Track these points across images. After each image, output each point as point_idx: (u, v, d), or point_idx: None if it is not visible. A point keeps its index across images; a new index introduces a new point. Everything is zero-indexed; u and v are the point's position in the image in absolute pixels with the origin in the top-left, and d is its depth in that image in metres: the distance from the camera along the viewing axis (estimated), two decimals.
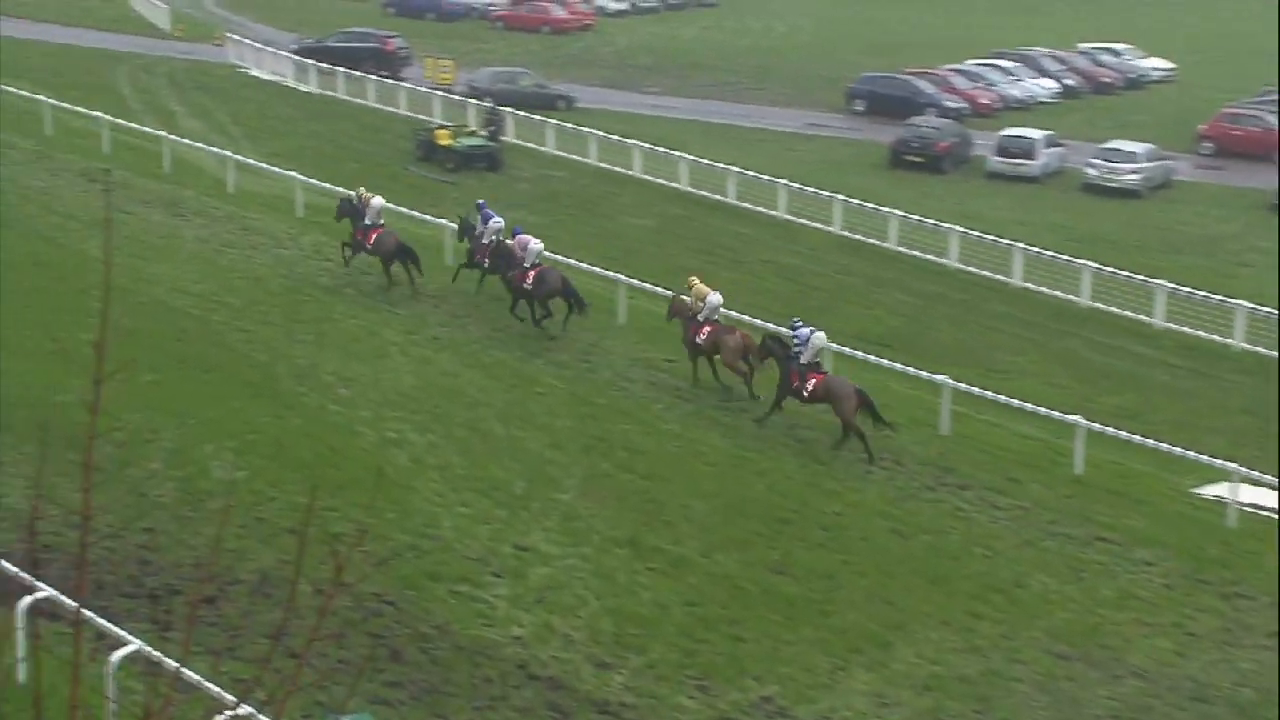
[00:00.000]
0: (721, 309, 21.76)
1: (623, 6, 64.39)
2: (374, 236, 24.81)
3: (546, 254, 24.23)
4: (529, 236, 23.80)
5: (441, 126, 36.95)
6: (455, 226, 25.48)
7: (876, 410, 19.58)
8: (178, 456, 17.20)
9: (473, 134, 36.78)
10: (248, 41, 46.97)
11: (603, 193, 34.62)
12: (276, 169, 30.97)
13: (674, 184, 35.03)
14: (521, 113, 39.15)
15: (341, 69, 42.88)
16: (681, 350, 21.79)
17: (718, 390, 21.61)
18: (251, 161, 31.61)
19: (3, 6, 51.63)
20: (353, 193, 25.76)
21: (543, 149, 37.68)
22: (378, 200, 25.13)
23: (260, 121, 38.44)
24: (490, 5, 59.50)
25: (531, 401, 20.50)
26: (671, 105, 45.85)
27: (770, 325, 22.62)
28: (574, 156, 36.91)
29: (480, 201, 25.82)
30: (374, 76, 42.68)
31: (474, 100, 40.54)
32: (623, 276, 24.78)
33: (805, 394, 20.02)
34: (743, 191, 34.03)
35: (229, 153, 31.21)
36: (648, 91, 48.06)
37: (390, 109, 40.96)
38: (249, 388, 19.79)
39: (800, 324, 20.78)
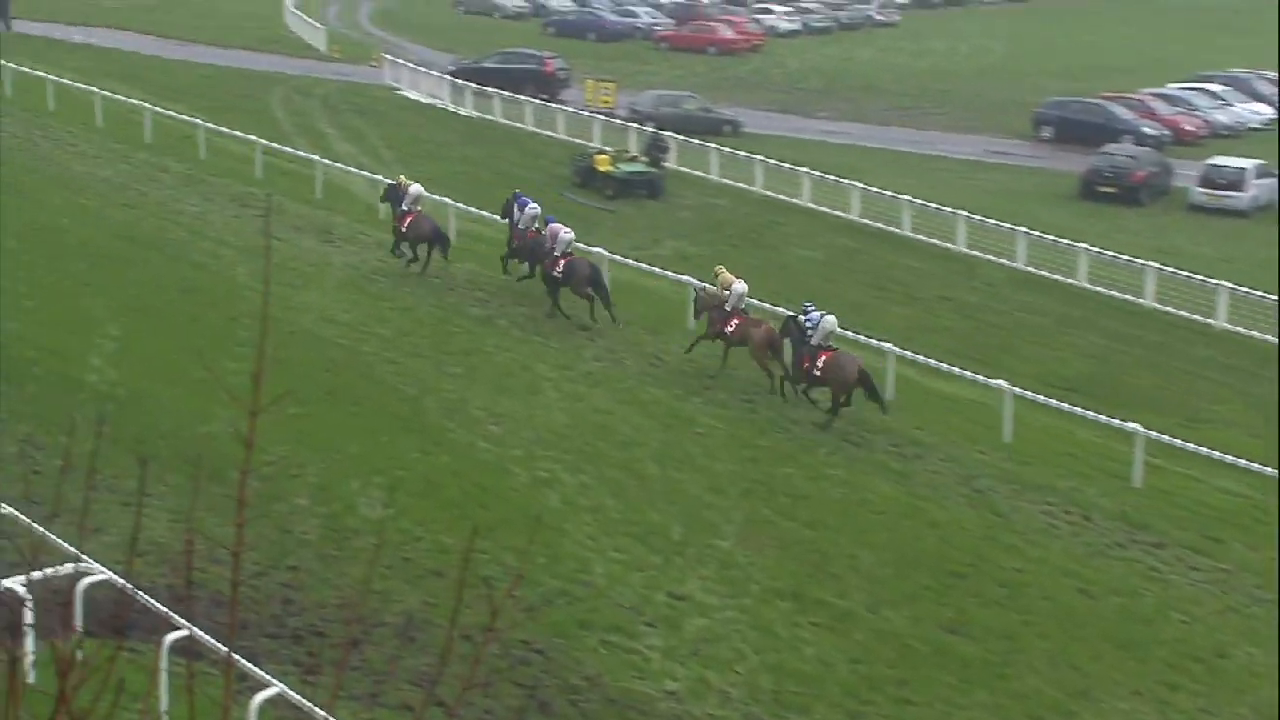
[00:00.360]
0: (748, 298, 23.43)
1: (794, 26, 64.57)
2: (409, 221, 27.25)
3: (641, 265, 24.37)
4: (560, 225, 25.71)
5: (601, 152, 37.43)
6: (603, 251, 26.76)
7: (875, 389, 21.57)
8: (324, 492, 17.63)
9: (633, 160, 37.17)
10: (404, 63, 48.41)
11: (768, 222, 34.63)
12: (432, 195, 31.74)
13: (844, 214, 34.86)
14: (685, 138, 39.46)
15: (499, 91, 43.84)
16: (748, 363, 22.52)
17: (887, 433, 21.38)
18: (380, 178, 32.47)
19: (161, 29, 54.32)
20: (395, 180, 28.54)
21: (707, 176, 37.88)
22: (416, 187, 27.84)
23: (414, 145, 39.50)
24: (655, 25, 60.26)
25: (689, 442, 20.54)
26: (844, 131, 45.72)
27: (934, 361, 22.33)
28: (739, 184, 37.03)
29: (517, 190, 28.38)
30: (532, 99, 43.55)
31: (635, 124, 41.03)
32: (788, 312, 24.70)
33: (816, 373, 21.98)
34: (918, 223, 33.69)
35: (381, 177, 32.08)
36: (819, 116, 48.02)
37: (548, 133, 41.71)
38: (397, 422, 20.24)
39: (812, 308, 22.68)
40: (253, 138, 34.05)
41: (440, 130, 41.75)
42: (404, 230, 27.24)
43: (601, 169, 36.12)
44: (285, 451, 18.04)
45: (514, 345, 24.04)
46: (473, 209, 30.63)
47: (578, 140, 40.51)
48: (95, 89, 37.07)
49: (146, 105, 36.21)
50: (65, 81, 37.24)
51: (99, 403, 19.10)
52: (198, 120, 35.46)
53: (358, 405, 20.68)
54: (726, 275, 23.81)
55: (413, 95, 46.10)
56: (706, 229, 33.67)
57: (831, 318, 22.38)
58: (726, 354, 23.23)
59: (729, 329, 23.27)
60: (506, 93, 43.79)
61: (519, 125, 42.48)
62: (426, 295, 26.16)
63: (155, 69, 45.95)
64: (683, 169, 38.30)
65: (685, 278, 26.59)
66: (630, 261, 28.06)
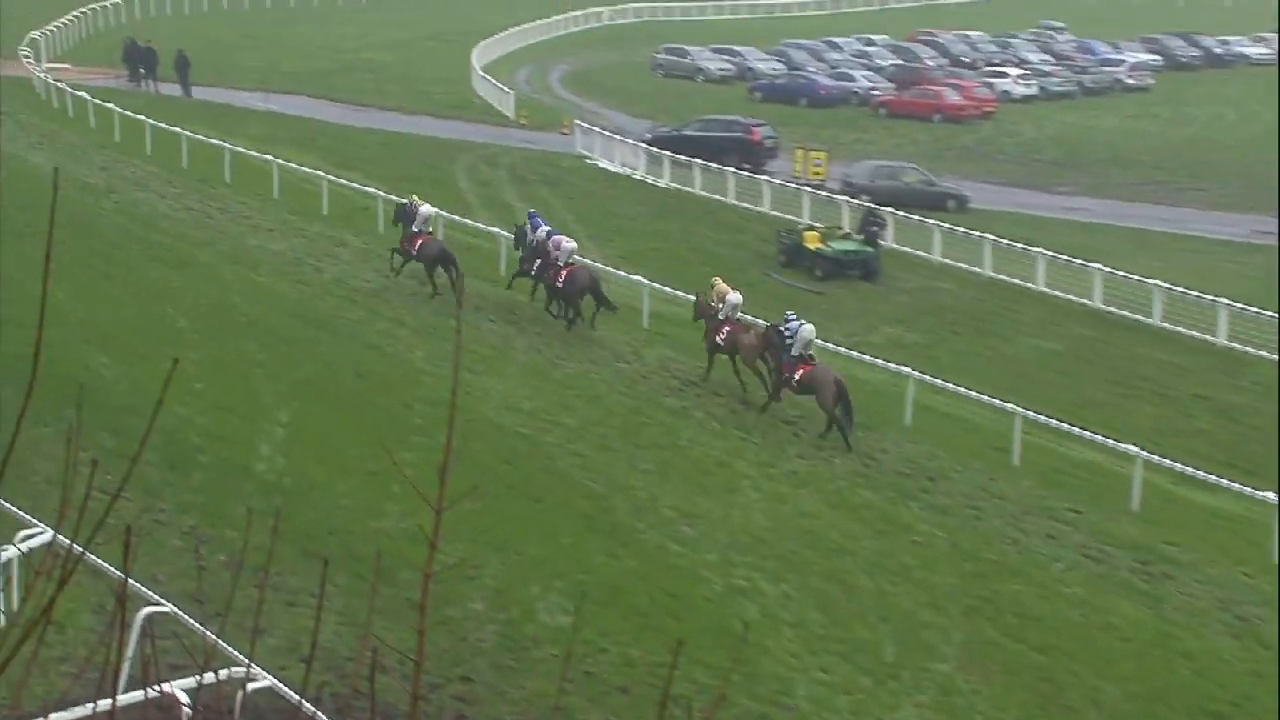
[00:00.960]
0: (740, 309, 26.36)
1: (1030, 91, 63.70)
2: (419, 243, 30.38)
3: (903, 370, 24.14)
4: (563, 236, 29.31)
5: (810, 228, 37.55)
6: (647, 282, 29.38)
7: (850, 404, 23.96)
8: (501, 596, 17.87)
9: (846, 237, 37.18)
10: (597, 130, 49.55)
11: (998, 309, 34.20)
12: (621, 272, 32.28)
13: (1085, 300, 34.24)
14: (904, 213, 39.35)
15: (699, 161, 44.45)
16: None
17: (1133, 548, 20.76)
18: (596, 264, 33.09)
19: (341, 93, 56.80)
20: (408, 200, 31.61)
21: (928, 256, 37.66)
22: (426, 208, 31.06)
23: (605, 219, 40.27)
24: (873, 90, 60.30)
25: (905, 552, 20.29)
26: (1085, 207, 44.98)
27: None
28: (965, 265, 36.70)
29: (531, 211, 31.73)
30: (735, 170, 44.06)
31: (849, 198, 41.09)
32: (1019, 409, 24.31)
33: (794, 384, 24.88)
34: (1171, 311, 32.87)
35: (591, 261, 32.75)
36: (1057, 191, 47.37)
37: (752, 206, 42.08)
38: (582, 521, 20.48)
39: (794, 317, 25.63)
40: (433, 209, 35.14)
41: (634, 203, 42.50)
42: (414, 252, 30.48)
43: (811, 247, 36.21)
44: (460, 551, 18.22)
45: (711, 439, 24.14)
46: (667, 288, 31.00)
47: (785, 215, 40.74)
48: (272, 157, 38.87)
49: (324, 175, 37.78)
50: (241, 150, 39.17)
51: (267, 494, 19.82)
52: (377, 191, 36.82)
53: (539, 501, 20.99)
54: (722, 286, 27.13)
55: (605, 165, 47.05)
56: (926, 314, 33.39)
57: (809, 326, 25.40)
58: (712, 363, 26.32)
59: (720, 338, 26.20)
60: (708, 163, 44.36)
61: (720, 198, 42.96)
62: (616, 383, 26.51)
63: (334, 136, 47.97)
64: (901, 248, 38.13)
65: (904, 369, 26.40)
66: (841, 349, 28.01)
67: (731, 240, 38.97)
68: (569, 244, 29.01)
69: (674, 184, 44.51)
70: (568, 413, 24.70)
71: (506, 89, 57.16)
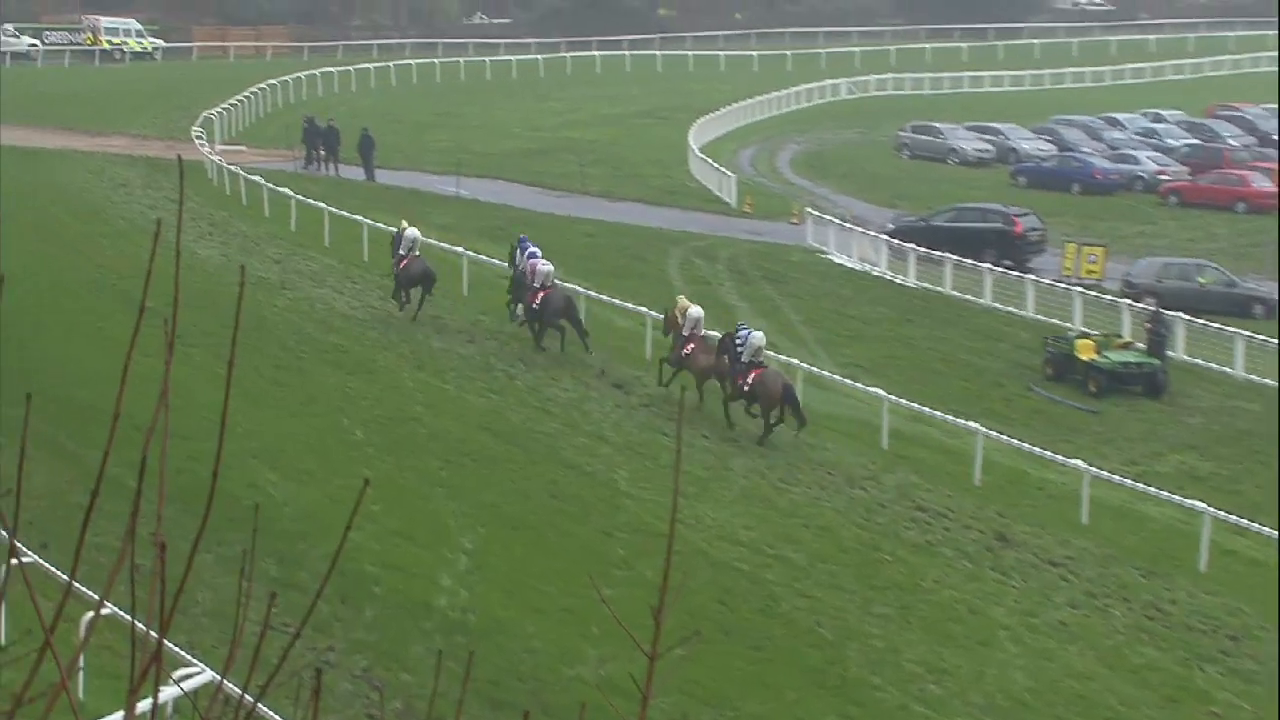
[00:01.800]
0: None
1: None
2: (403, 264, 35.82)
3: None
4: (539, 260, 34.12)
5: (1084, 335, 36.95)
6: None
7: (798, 406, 28.74)
8: None
9: (1127, 346, 36.46)
10: (831, 219, 49.71)
11: None
12: (858, 384, 32.18)
13: None
14: (1198, 319, 38.49)
15: (951, 256, 44.29)
16: None
17: None
18: (826, 374, 33.07)
19: (541, 177, 58.15)
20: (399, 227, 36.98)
21: (1228, 370, 36.74)
22: (412, 231, 36.57)
23: (840, 322, 40.23)
24: (1161, 174, 59.28)
25: None
26: None
27: None
28: (1272, 382, 35.64)
29: (522, 236, 36.59)
30: (994, 266, 43.75)
31: (1131, 301, 40.40)
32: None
33: (745, 389, 29.25)
34: None
35: (797, 361, 32.78)
36: None
37: (1013, 309, 41.64)
38: (808, 675, 20.30)
39: (745, 326, 30.86)
40: (643, 309, 35.59)
41: (874, 304, 42.38)
42: (397, 272, 35.96)
43: (1084, 357, 35.61)
44: (669, 704, 18.20)
45: (961, 581, 23.75)
46: (915, 404, 30.76)
47: (1053, 320, 40.17)
48: (462, 249, 39.90)
49: None
50: (430, 241, 40.29)
51: (449, 632, 20.09)
52: (579, 287, 37.44)
53: (759, 649, 20.89)
54: (684, 301, 32.14)
55: (841, 260, 47.09)
56: (1225, 440, 32.45)
57: (759, 334, 30.42)
58: (673, 376, 30.70)
59: (684, 352, 30.74)
60: (961, 258, 44.08)
61: (975, 299, 42.59)
62: (849, 512, 26.32)
63: (532, 225, 48.95)
64: (1193, 360, 37.25)
65: (1198, 504, 25.66)
66: (1118, 479, 27.37)
67: (988, 348, 38.54)
68: (545, 267, 34.11)
69: (921, 282, 44.29)
70: (793, 546, 24.56)
71: (728, 172, 57.81)
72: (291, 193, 46.00)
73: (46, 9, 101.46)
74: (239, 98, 66.94)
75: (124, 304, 34.74)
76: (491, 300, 37.71)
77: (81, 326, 33.14)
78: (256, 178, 48.71)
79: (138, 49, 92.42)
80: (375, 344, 34.34)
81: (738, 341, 29.99)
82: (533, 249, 34.92)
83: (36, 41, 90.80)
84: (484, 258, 40.05)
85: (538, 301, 33.64)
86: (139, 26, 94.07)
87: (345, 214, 43.71)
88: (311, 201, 45.09)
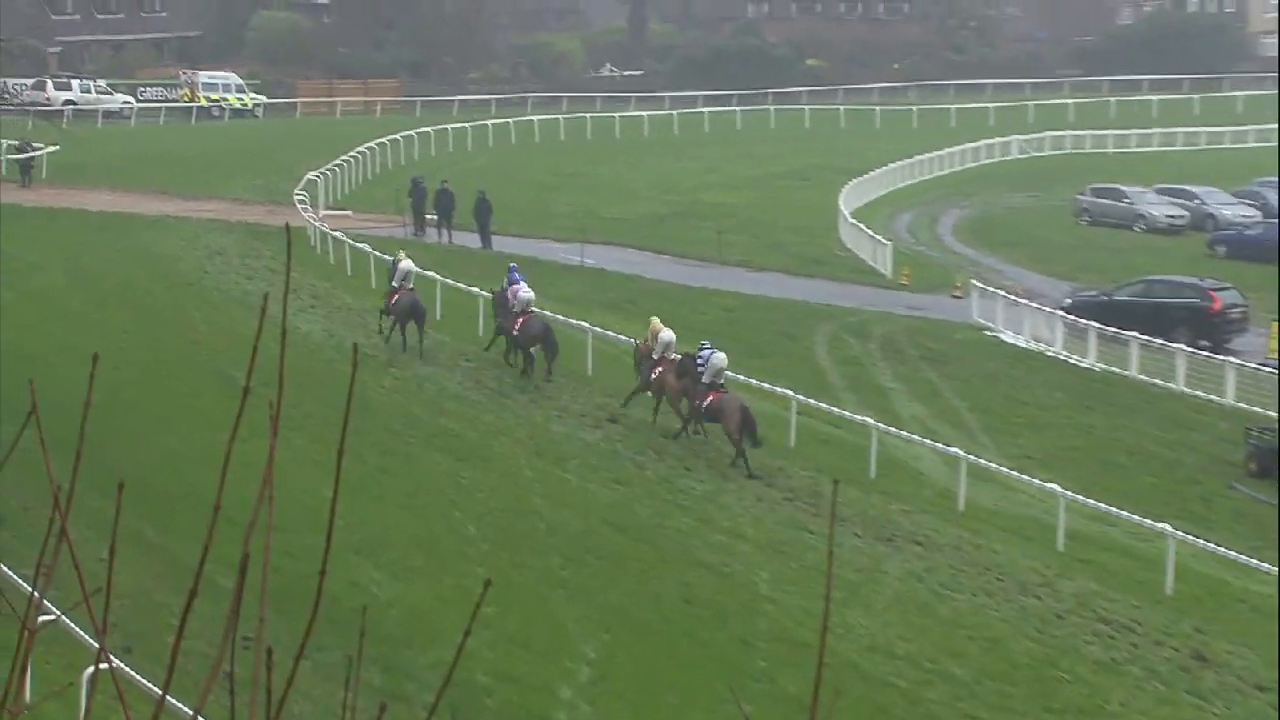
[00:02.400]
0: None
1: None
2: (395, 298, 39.56)
3: None
4: (520, 285, 38.04)
5: None
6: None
7: (755, 431, 31.96)
8: None
9: None
10: (999, 293, 49.40)
11: None
12: (1030, 479, 31.83)
13: None
14: None
15: (1139, 335, 43.86)
16: None
17: None
18: (993, 466, 32.76)
19: (673, 245, 58.41)
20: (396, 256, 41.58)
21: None
22: (406, 264, 40.66)
23: (1010, 408, 39.86)
24: None
25: None
26: None
27: None
28: None
29: (512, 265, 40.94)
30: (1188, 347, 43.27)
31: None
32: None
33: (703, 410, 32.84)
34: None
35: (960, 451, 32.51)
36: None
37: (1211, 396, 41.10)
38: None
39: (707, 346, 33.83)
40: (786, 392, 35.54)
41: (1048, 388, 41.96)
42: (389, 306, 39.85)
43: None
44: None
45: (1152, 705, 23.33)
46: (1096, 502, 30.34)
47: (1256, 408, 39.52)
48: (587, 325, 40.11)
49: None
50: (553, 314, 40.58)
51: None
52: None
53: None
54: (656, 324, 35.63)
55: (1011, 338, 46.75)
56: None
57: (721, 355, 33.47)
58: (631, 397, 34.92)
59: (653, 375, 34.25)
60: (1149, 338, 43.60)
61: (1165, 384, 42.06)
62: (1021, 623, 25.98)
63: (664, 297, 49.21)
64: None
65: None
66: None
67: (1181, 439, 37.97)
68: (526, 294, 37.99)
69: (1102, 365, 43.83)
70: (956, 660, 24.27)
71: (882, 240, 57.72)
72: (404, 255, 46.54)
73: (142, 63, 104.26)
74: (345, 158, 68.14)
75: (216, 382, 35.32)
76: (619, 380, 37.85)
77: (171, 406, 33.73)
78: (363, 246, 49.35)
79: (238, 106, 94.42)
80: (490, 428, 34.55)
81: (699, 361, 33.43)
82: (518, 277, 38.94)
83: (130, 98, 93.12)
84: (610, 334, 40.21)
85: (518, 328, 37.76)
86: (239, 82, 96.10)
87: (458, 285, 44.14)
88: (421, 271, 45.61)
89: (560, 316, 40.79)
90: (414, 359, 39.43)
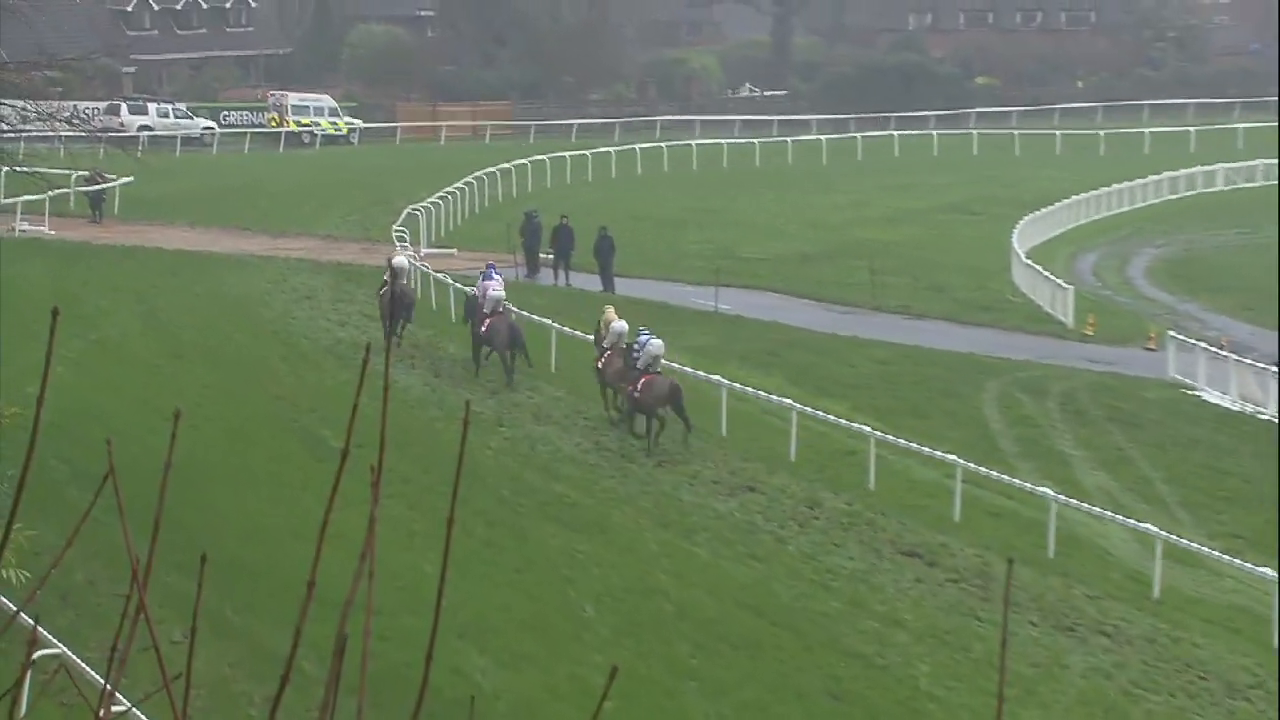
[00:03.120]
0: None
1: None
2: (382, 291, 45.29)
3: None
4: (494, 282, 42.50)
5: None
6: None
7: (682, 408, 36.70)
8: None
9: None
10: (1201, 345, 48.82)
11: None
12: (1239, 561, 31.40)
13: None
14: None
15: None
16: None
17: None
18: (1194, 546, 32.35)
19: (819, 288, 58.34)
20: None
21: None
22: (399, 259, 46.37)
23: (1213, 479, 39.32)
24: None
25: None
26: None
27: None
28: None
29: (490, 264, 45.69)
30: None
31: None
32: None
33: (636, 396, 36.86)
34: None
35: (1153, 528, 32.14)
36: None
37: None
38: None
39: (646, 333, 37.94)
40: (950, 458, 35.33)
41: (1259, 457, 41.31)
42: (380, 304, 45.40)
43: None
44: None
45: None
46: None
47: None
48: (720, 379, 40.08)
49: (792, 405, 38.68)
50: (679, 366, 40.61)
51: None
52: (864, 427, 37.34)
53: None
54: (610, 314, 39.70)
55: (1214, 397, 46.18)
56: None
57: (658, 341, 37.55)
58: (604, 394, 39.05)
59: (600, 364, 38.69)
60: None
61: None
62: None
63: (808, 348, 49.11)
64: None
65: None
66: None
67: None
68: (497, 292, 42.15)
69: None
70: None
71: (1063, 283, 57.28)
72: (513, 307, 46.81)
73: (225, 84, 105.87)
74: (451, 189, 68.73)
75: (305, 443, 35.69)
76: (757, 443, 37.83)
77: (254, 470, 34.12)
78: (471, 290, 49.64)
79: (331, 131, 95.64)
80: (610, 496, 34.61)
81: (635, 348, 37.37)
82: (496, 276, 43.60)
83: (213, 124, 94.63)
84: (749, 390, 40.18)
85: (485, 327, 41.48)
86: (333, 104, 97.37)
87: (577, 334, 44.26)
88: (536, 318, 45.80)
89: (690, 369, 40.81)
90: (526, 417, 39.59)
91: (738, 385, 40.21)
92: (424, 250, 58.93)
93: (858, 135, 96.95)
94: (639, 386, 36.98)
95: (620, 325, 38.91)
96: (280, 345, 46.02)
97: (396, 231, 59.31)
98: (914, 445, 36.49)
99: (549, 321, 45.06)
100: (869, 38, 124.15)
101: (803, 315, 54.75)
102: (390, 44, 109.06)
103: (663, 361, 37.78)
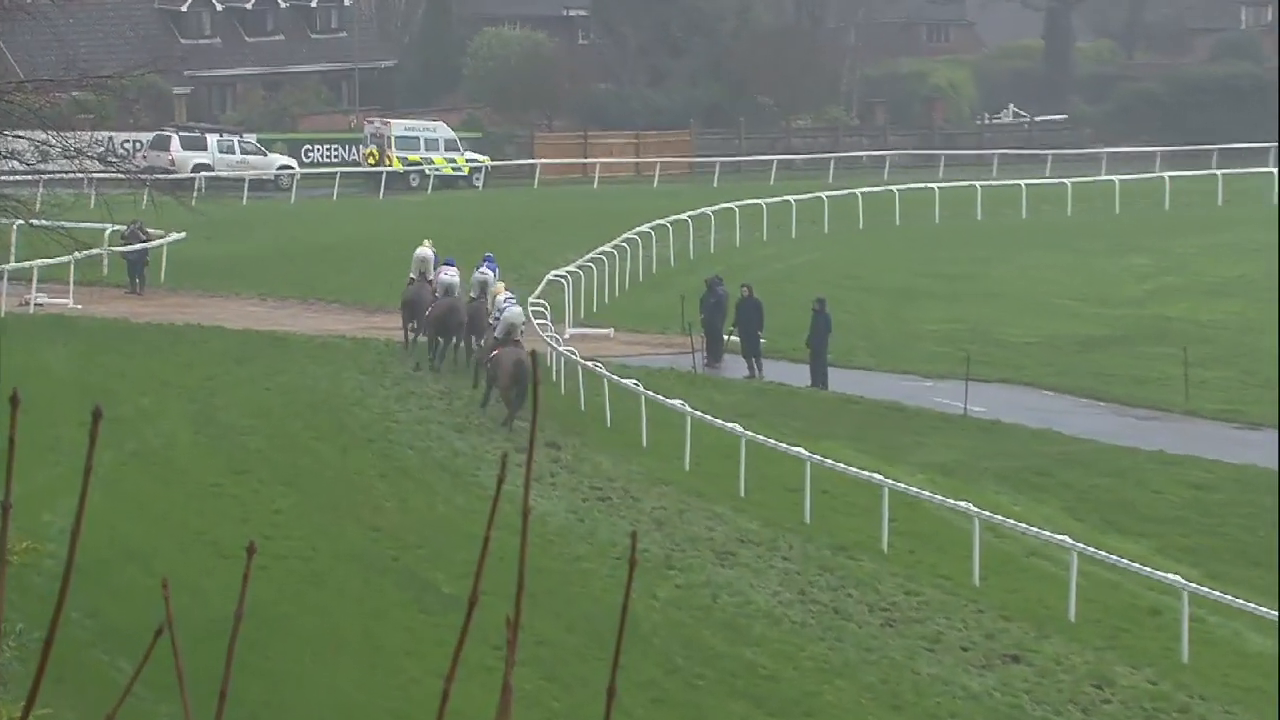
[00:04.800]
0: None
1: None
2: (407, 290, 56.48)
3: None
4: (447, 268, 55.46)
5: None
6: None
7: (523, 389, 45.28)
8: None
9: None
10: None
11: None
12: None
13: None
14: None
15: None
16: None
17: None
18: None
19: (1108, 386, 57.87)
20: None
21: None
22: (422, 250, 59.14)
23: None
24: None
25: None
26: None
27: None
28: None
29: (488, 255, 58.22)
30: None
31: None
32: None
33: (487, 365, 47.24)
34: None
35: None
36: None
37: None
38: None
39: (508, 299, 48.56)
40: (1256, 608, 35.02)
41: None
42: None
43: None
44: None
45: None
46: None
47: None
48: (969, 505, 39.82)
49: (1072, 543, 38.31)
50: (903, 488, 40.40)
51: None
52: (1174, 578, 36.93)
53: None
54: (500, 289, 51.30)
55: None
56: None
57: (516, 310, 48.06)
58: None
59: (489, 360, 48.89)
60: None
61: None
62: None
63: (1092, 464, 48.60)
64: None
65: None
66: None
67: None
68: (447, 278, 54.67)
69: None
70: None
71: None
72: (687, 407, 46.84)
73: (308, 108, 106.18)
74: (606, 248, 68.70)
75: (408, 589, 35.87)
76: (1021, 595, 37.56)
77: (341, 625, 34.29)
78: (631, 383, 49.66)
79: (448, 170, 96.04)
80: (820, 666, 34.51)
81: (494, 318, 48.46)
82: (488, 264, 56.72)
83: (291, 162, 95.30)
84: (1009, 522, 39.86)
85: (489, 358, 48.55)
86: (450, 135, 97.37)
87: (775, 444, 44.19)
88: (719, 423, 45.78)
89: (929, 494, 40.63)
90: (706, 557, 39.57)
91: (995, 516, 39.86)
92: (568, 330, 59.10)
93: (1165, 175, 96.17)
94: (490, 358, 47.38)
95: (513, 311, 49.10)
96: (378, 459, 46.22)
97: (534, 305, 59.51)
98: (1244, 603, 36.01)
99: (736, 428, 44.97)
100: (1181, 41, 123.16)
101: (1086, 421, 54.20)
102: (528, 53, 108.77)
103: (522, 330, 47.50)
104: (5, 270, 61.11)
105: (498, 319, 48.50)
